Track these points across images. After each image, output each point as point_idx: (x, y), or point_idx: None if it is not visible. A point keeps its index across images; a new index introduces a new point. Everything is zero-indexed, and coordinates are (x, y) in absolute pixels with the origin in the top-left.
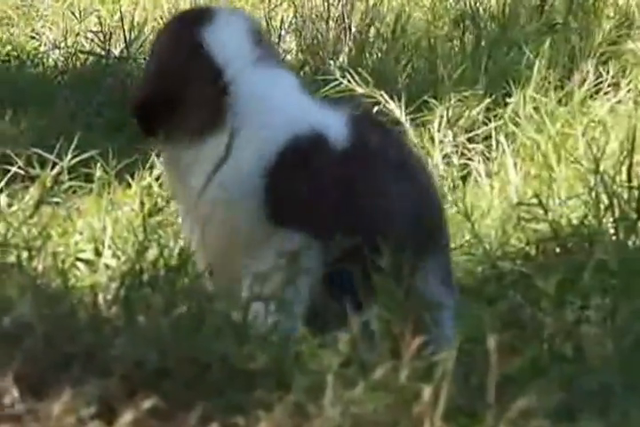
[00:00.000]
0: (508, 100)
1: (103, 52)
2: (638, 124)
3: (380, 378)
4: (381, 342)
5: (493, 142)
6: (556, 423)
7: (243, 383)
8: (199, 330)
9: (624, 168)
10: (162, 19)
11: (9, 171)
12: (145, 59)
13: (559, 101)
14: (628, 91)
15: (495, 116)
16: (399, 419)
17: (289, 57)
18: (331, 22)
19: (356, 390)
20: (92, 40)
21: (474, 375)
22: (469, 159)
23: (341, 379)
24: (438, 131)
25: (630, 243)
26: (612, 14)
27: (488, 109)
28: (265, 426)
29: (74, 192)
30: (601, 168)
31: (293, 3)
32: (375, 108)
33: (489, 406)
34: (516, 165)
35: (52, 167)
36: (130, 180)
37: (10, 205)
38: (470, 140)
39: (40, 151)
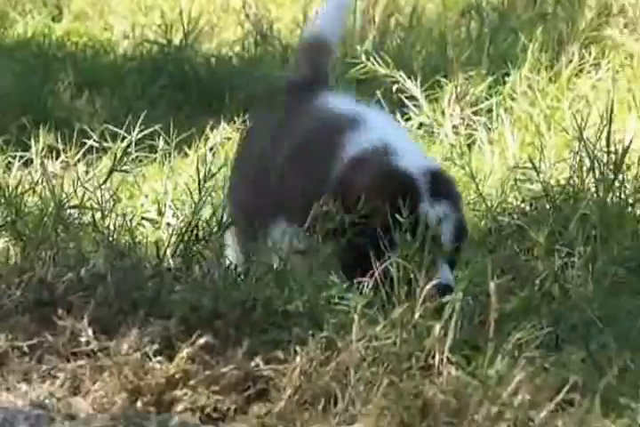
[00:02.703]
0: (506, 78)
1: (165, 42)
2: (616, 98)
3: (397, 317)
4: (399, 287)
5: (494, 115)
6: (545, 353)
7: (282, 323)
8: (245, 278)
9: (603, 136)
10: (215, 12)
11: (85, 143)
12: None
13: (549, 80)
14: (607, 70)
15: (496, 92)
16: (413, 351)
17: None
18: (357, 14)
19: (378, 328)
20: (156, 31)
21: (477, 314)
22: (474, 129)
23: (365, 318)
24: (448, 105)
25: (609, 199)
26: (593, 5)
27: (490, 87)
28: (300, 359)
29: (140, 161)
30: (584, 136)
31: None
32: (395, 87)
33: (489, 339)
34: (513, 134)
35: (122, 140)
36: (187, 150)
37: (86, 173)
38: (475, 113)
39: (112, 127)
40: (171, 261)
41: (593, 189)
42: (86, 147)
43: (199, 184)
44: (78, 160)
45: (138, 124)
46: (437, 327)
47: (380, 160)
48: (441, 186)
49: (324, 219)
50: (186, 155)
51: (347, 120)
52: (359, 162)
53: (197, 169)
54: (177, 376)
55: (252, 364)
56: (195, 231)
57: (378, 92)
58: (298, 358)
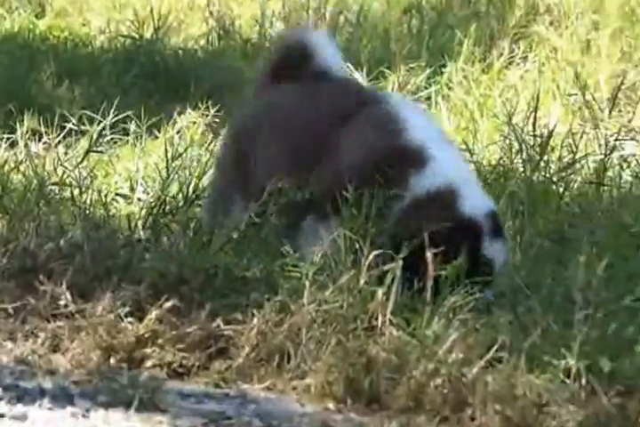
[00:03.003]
0: (443, 70)
1: (137, 36)
2: (541, 87)
3: (344, 283)
4: (345, 256)
5: (433, 102)
6: (476, 316)
7: (240, 288)
8: (208, 247)
9: (530, 121)
10: (182, 10)
11: (65, 127)
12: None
13: (482, 71)
14: (534, 62)
15: (434, 82)
16: (359, 314)
17: None
18: (310, 12)
19: (327, 293)
20: (129, 27)
21: (416, 280)
22: None
23: (315, 284)
24: None
25: (535, 178)
26: (522, 4)
27: (429, 77)
28: (257, 321)
29: (114, 143)
30: (513, 121)
31: None
32: None
33: (427, 303)
34: (449, 119)
35: (98, 124)
36: (157, 133)
37: (66, 153)
38: (415, 100)
39: (89, 112)
40: (141, 232)
41: (521, 169)
42: (66, 130)
43: (167, 163)
44: (59, 142)
45: (112, 109)
46: (380, 292)
47: (444, 205)
48: (497, 227)
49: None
50: (155, 137)
51: (413, 155)
52: (423, 204)
53: (166, 150)
54: (146, 336)
55: (214, 325)
56: (163, 206)
57: None
58: (255, 320)
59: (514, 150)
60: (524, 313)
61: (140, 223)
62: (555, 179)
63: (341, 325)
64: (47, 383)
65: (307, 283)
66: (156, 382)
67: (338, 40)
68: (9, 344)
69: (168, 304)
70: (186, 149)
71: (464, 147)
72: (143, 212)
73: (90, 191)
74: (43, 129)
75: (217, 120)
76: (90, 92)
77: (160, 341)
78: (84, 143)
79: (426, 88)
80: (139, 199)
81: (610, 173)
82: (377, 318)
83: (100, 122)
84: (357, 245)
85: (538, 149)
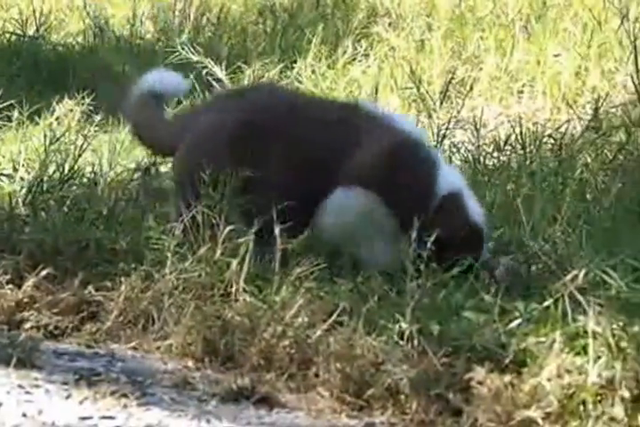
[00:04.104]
0: (294, 65)
1: (22, 33)
2: (381, 82)
3: (202, 254)
4: (203, 230)
5: None
6: (320, 284)
7: (110, 258)
8: (81, 222)
9: None
10: (62, 10)
11: None
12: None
13: (328, 66)
14: (375, 60)
15: (286, 76)
16: (215, 282)
17: (148, 36)
18: (176, 12)
19: (187, 263)
20: (14, 24)
21: (266, 251)
22: None
23: (177, 255)
24: None
25: None
26: (364, 7)
27: (281, 72)
28: (125, 288)
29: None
30: None
31: None
32: (205, 71)
33: (276, 273)
34: None
35: None
36: (38, 120)
37: None
38: None
39: None
40: (22, 208)
41: None
42: None
43: (46, 147)
44: None
45: None
46: (235, 263)
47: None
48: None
49: None
50: (37, 123)
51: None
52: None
53: (45, 135)
54: (25, 301)
55: (86, 291)
56: (41, 185)
57: (191, 76)
58: (122, 287)
59: None
60: (362, 282)
61: (20, 200)
62: None
63: (200, 292)
64: None
65: (169, 254)
66: (33, 343)
67: (200, 38)
68: None
69: (44, 273)
70: (63, 134)
71: None
72: (24, 190)
73: None
74: None
75: (91, 108)
76: None
77: (37, 305)
78: None
79: (278, 81)
80: (21, 179)
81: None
82: (232, 286)
83: None
84: (214, 221)
85: None
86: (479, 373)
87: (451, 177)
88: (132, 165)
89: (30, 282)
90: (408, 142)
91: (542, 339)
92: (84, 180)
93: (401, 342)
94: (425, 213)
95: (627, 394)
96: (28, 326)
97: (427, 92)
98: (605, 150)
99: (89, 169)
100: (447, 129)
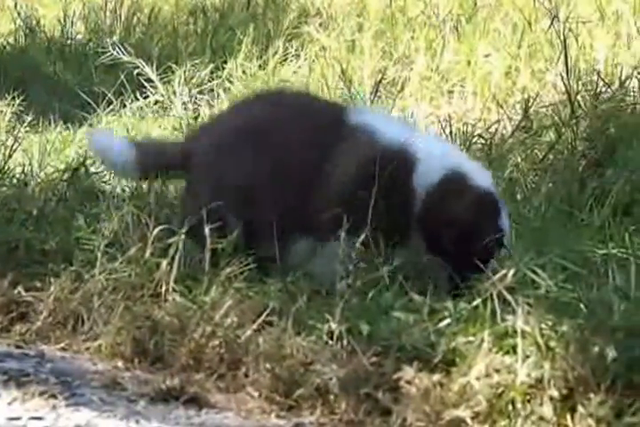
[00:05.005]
0: (225, 65)
1: None
2: (312, 81)
3: (132, 255)
4: (133, 230)
5: (215, 94)
6: (250, 284)
7: (39, 259)
8: (11, 222)
9: None
10: None
11: None
12: None
13: (259, 67)
14: (305, 60)
15: (217, 76)
16: (145, 282)
17: (79, 37)
18: (108, 12)
19: (117, 263)
20: None
21: (196, 252)
22: (199, 106)
23: (106, 255)
24: (178, 86)
25: None
26: (295, 8)
27: (212, 72)
28: (54, 288)
29: None
30: None
31: None
32: (136, 71)
33: (206, 273)
34: None
35: None
36: None
37: None
38: (200, 92)
39: None
40: None
41: None
42: None
43: None
44: None
45: None
46: (164, 263)
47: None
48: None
49: None
50: None
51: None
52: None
53: None
54: None
55: (15, 292)
56: None
57: (122, 76)
58: (52, 288)
59: None
60: (292, 282)
61: None
62: None
63: (129, 292)
64: None
65: (99, 254)
66: None
67: (131, 38)
68: None
69: None
70: None
71: None
72: None
73: None
74: None
75: (22, 109)
76: None
77: None
78: None
79: (209, 82)
80: None
81: None
82: (161, 286)
83: None
84: (144, 221)
85: None
86: (408, 372)
87: None
88: (63, 166)
89: None
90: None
91: (471, 338)
92: (14, 180)
93: (330, 342)
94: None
95: (555, 393)
96: None
97: (357, 92)
98: (535, 150)
99: (19, 170)
100: None
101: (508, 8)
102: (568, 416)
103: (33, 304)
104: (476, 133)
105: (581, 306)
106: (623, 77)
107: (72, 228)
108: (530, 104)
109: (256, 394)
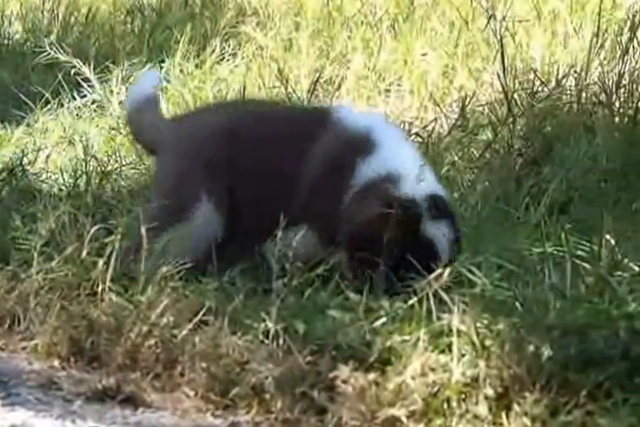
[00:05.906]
0: (162, 65)
1: None
2: (248, 80)
3: (69, 254)
4: (70, 230)
5: None
6: (186, 284)
7: None
8: None
9: None
10: None
11: None
12: None
13: (196, 66)
14: (243, 59)
15: None
16: (82, 282)
17: (16, 36)
18: (45, 12)
19: (53, 263)
20: None
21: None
22: None
23: (43, 255)
24: (115, 85)
25: None
26: (232, 7)
27: None
28: None
29: None
30: None
31: None
32: (73, 71)
33: (142, 272)
34: (167, 108)
35: None
36: None
37: None
38: None
39: None
40: None
41: None
42: None
43: None
44: None
45: None
46: (101, 263)
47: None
48: (439, 208)
49: None
50: None
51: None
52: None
53: None
54: None
55: None
56: None
57: (59, 76)
58: None
59: None
60: (228, 281)
61: None
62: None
63: (66, 291)
64: None
65: (35, 254)
66: None
67: (69, 38)
68: None
69: None
70: None
71: None
72: None
73: None
74: None
75: None
76: None
77: None
78: None
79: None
80: None
81: None
82: (98, 286)
83: None
84: (80, 220)
85: None
86: (344, 371)
87: None
88: None
89: None
90: None
91: (407, 337)
92: None
93: (266, 341)
94: None
95: (490, 392)
96: None
97: (294, 91)
98: (472, 148)
99: None
100: None
101: (445, 7)
102: (503, 415)
103: None
104: (412, 132)
105: (517, 304)
106: (560, 76)
107: (8, 227)
108: (467, 103)
109: (192, 393)
